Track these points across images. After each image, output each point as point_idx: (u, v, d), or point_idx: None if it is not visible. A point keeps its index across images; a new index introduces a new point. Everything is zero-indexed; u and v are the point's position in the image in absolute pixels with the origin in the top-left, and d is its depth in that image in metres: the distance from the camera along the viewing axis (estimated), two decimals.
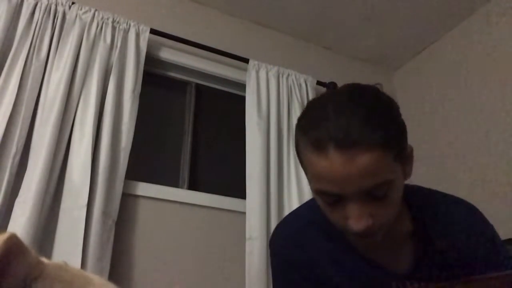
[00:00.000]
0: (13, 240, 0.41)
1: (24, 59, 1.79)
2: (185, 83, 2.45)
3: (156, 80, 2.35)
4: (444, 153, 2.61)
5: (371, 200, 0.74)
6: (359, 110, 0.74)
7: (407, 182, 0.84)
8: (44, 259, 0.48)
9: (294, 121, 2.33)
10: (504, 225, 2.20)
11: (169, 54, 2.33)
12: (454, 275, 0.82)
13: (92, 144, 1.79)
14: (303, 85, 2.52)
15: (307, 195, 2.18)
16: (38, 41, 1.86)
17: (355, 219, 0.74)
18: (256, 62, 2.43)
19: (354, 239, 0.85)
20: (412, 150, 0.82)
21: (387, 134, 0.72)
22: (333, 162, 0.71)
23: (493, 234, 0.92)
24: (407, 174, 0.81)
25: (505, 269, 0.84)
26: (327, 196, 0.76)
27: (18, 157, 1.67)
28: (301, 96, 2.46)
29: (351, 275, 0.87)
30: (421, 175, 2.75)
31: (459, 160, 2.50)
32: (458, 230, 0.90)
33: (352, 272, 0.87)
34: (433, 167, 2.67)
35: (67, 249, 1.63)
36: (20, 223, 1.55)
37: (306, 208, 0.98)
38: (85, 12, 2.02)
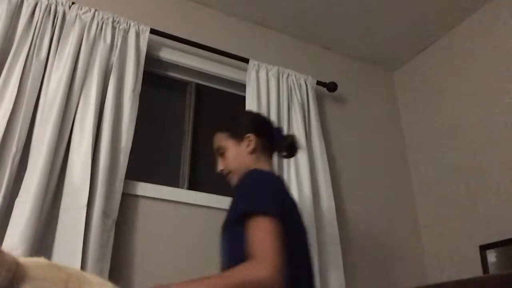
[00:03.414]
0: None
1: (24, 59, 1.79)
2: (185, 83, 2.45)
3: (156, 80, 2.35)
4: (444, 152, 2.61)
5: (220, 156, 1.53)
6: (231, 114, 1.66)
7: None
8: (34, 259, 0.48)
9: (294, 121, 2.36)
10: (504, 225, 2.21)
11: (169, 54, 2.33)
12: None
13: (92, 144, 1.79)
14: (303, 85, 2.52)
15: (307, 195, 2.18)
16: (38, 41, 1.86)
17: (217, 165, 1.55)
18: (256, 62, 2.43)
19: None
20: (249, 137, 1.48)
21: (226, 125, 1.55)
22: None
23: (244, 182, 1.33)
24: (242, 148, 1.48)
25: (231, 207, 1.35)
26: None
27: (18, 157, 1.67)
28: (301, 96, 2.46)
29: None
30: (422, 173, 2.75)
31: (459, 159, 2.50)
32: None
33: None
34: (433, 166, 2.67)
35: (67, 249, 1.63)
36: (20, 223, 1.55)
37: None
38: (85, 12, 2.02)
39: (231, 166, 1.49)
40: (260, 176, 1.34)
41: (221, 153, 1.52)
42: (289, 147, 1.60)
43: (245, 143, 1.48)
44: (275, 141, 1.56)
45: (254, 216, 1.18)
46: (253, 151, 1.47)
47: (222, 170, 1.52)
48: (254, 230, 1.17)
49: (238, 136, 1.49)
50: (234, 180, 1.48)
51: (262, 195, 1.25)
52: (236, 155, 1.48)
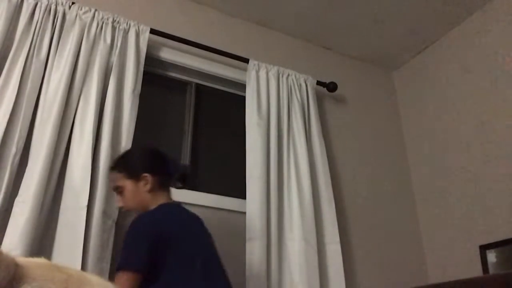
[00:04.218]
0: None
1: (24, 59, 1.79)
2: (185, 83, 2.45)
3: (156, 80, 2.35)
4: (444, 152, 2.61)
5: (119, 194, 1.60)
6: (124, 152, 1.77)
7: None
8: (34, 260, 0.48)
9: (294, 121, 2.36)
10: (504, 225, 2.21)
11: (169, 54, 2.33)
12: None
13: (92, 144, 1.79)
14: (303, 85, 2.52)
15: (307, 194, 2.18)
16: (38, 41, 1.86)
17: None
18: (256, 62, 2.43)
19: None
20: (146, 177, 1.56)
21: (122, 166, 1.61)
22: None
23: (128, 233, 1.42)
24: (140, 187, 1.56)
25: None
26: None
27: (18, 157, 1.67)
28: (301, 96, 2.46)
29: None
30: (422, 173, 2.75)
31: (459, 159, 2.50)
32: None
33: None
34: (433, 166, 2.67)
35: (67, 249, 1.63)
36: (20, 222, 1.55)
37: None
38: (85, 12, 2.02)
39: (130, 205, 1.58)
40: (139, 227, 1.42)
41: (120, 191, 1.59)
42: (182, 178, 1.71)
43: (142, 182, 1.56)
44: (170, 175, 1.66)
45: (120, 272, 1.35)
46: (150, 190, 1.56)
47: (121, 207, 1.61)
48: (117, 284, 1.31)
49: (135, 176, 1.56)
50: (135, 213, 1.57)
51: (131, 252, 1.38)
52: (135, 194, 1.56)
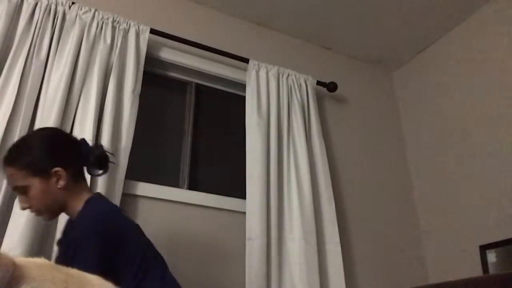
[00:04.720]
0: None
1: (24, 59, 1.79)
2: (185, 83, 2.45)
3: (156, 80, 2.35)
4: (443, 152, 2.61)
5: (21, 194, 1.29)
6: (18, 141, 1.39)
7: None
8: (34, 260, 0.48)
9: (294, 121, 2.36)
10: (504, 225, 2.21)
11: (169, 54, 2.33)
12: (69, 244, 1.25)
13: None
14: (303, 85, 2.52)
15: (307, 194, 2.18)
16: (38, 41, 1.86)
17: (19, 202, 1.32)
18: (256, 62, 2.43)
19: None
20: (57, 171, 1.28)
21: (22, 161, 1.28)
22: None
23: (82, 233, 1.20)
24: (51, 185, 1.28)
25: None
26: None
27: None
28: (301, 96, 2.46)
29: None
30: (422, 173, 2.75)
31: (459, 159, 2.50)
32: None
33: None
34: (433, 166, 2.67)
35: None
36: (20, 223, 1.55)
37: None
38: (85, 12, 2.02)
39: (40, 206, 1.30)
40: (93, 227, 1.19)
41: (23, 192, 1.29)
42: (99, 162, 1.42)
43: (53, 179, 1.28)
44: (85, 161, 1.39)
45: None
46: (65, 186, 1.29)
47: (27, 207, 1.30)
48: None
49: (42, 173, 1.27)
50: (46, 218, 1.37)
51: (89, 260, 1.14)
52: (45, 194, 1.28)
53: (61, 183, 1.29)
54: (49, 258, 1.51)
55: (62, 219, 1.51)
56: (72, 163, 1.34)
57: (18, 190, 1.30)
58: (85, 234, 1.18)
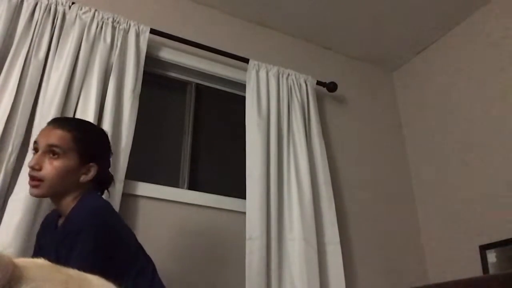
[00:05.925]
0: None
1: (24, 58, 1.79)
2: (185, 83, 2.45)
3: (156, 80, 2.35)
4: (443, 152, 2.61)
5: (45, 154, 1.23)
6: (83, 120, 1.47)
7: None
8: (33, 260, 0.47)
9: (294, 121, 2.36)
10: (504, 225, 2.21)
11: (169, 54, 2.33)
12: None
13: None
14: (303, 85, 2.52)
15: (307, 194, 2.18)
16: (37, 40, 1.86)
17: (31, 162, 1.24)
18: (256, 62, 2.43)
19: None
20: (92, 167, 1.28)
21: (80, 138, 1.27)
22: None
23: (81, 229, 1.15)
24: (78, 172, 1.26)
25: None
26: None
27: (14, 156, 1.67)
28: (301, 96, 2.46)
29: None
30: (422, 173, 2.75)
31: (459, 159, 2.50)
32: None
33: None
34: (433, 166, 2.67)
35: None
36: (14, 221, 1.55)
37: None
38: (85, 12, 2.02)
39: (51, 179, 1.23)
40: (90, 218, 1.18)
41: (53, 153, 1.24)
42: (107, 183, 1.44)
43: (83, 170, 1.28)
44: (106, 176, 1.41)
45: None
46: (82, 182, 1.28)
47: (35, 167, 1.23)
48: None
49: (83, 157, 1.27)
50: (40, 192, 1.25)
51: (88, 252, 1.12)
52: (66, 174, 1.24)
53: (85, 178, 1.28)
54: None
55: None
56: (103, 170, 1.36)
57: (49, 148, 1.23)
58: (83, 225, 1.16)
